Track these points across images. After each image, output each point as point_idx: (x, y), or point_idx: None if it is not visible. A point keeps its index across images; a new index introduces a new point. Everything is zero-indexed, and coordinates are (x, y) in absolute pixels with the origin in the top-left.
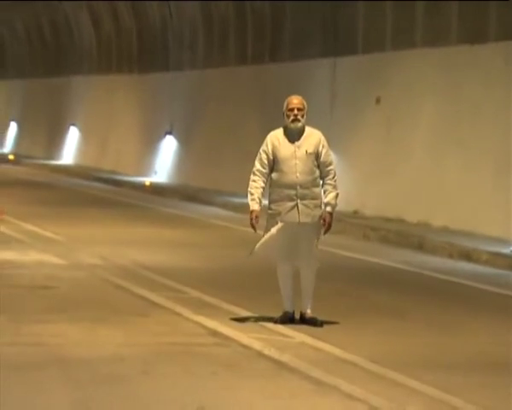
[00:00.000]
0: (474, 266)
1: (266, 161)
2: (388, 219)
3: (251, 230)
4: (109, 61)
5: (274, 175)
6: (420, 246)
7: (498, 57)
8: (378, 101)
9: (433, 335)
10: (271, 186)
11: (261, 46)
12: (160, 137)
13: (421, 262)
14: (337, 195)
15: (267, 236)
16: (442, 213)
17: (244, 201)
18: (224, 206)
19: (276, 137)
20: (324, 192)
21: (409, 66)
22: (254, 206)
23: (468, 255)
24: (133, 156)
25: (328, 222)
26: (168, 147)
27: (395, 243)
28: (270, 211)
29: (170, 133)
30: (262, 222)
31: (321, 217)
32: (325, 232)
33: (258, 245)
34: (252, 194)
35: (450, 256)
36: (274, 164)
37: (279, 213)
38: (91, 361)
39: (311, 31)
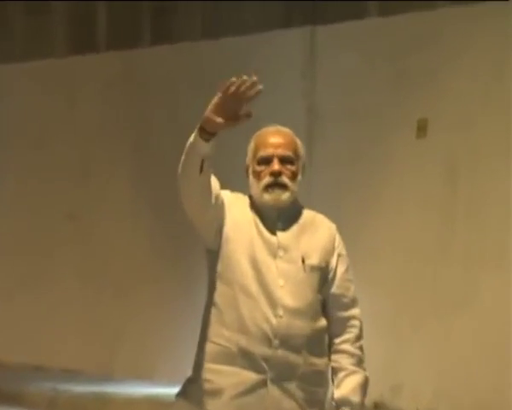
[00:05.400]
0: None
1: (218, 193)
2: None
3: None
4: None
5: (219, 291)
6: None
7: None
8: (423, 128)
9: None
10: (205, 321)
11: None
12: None
13: None
14: (366, 380)
15: None
16: None
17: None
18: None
19: (241, 201)
20: (334, 370)
21: None
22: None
23: None
24: None
25: None
26: None
27: None
28: (203, 385)
29: None
30: None
31: None
32: None
33: None
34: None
35: None
36: (220, 252)
37: (219, 392)
38: None
39: None
